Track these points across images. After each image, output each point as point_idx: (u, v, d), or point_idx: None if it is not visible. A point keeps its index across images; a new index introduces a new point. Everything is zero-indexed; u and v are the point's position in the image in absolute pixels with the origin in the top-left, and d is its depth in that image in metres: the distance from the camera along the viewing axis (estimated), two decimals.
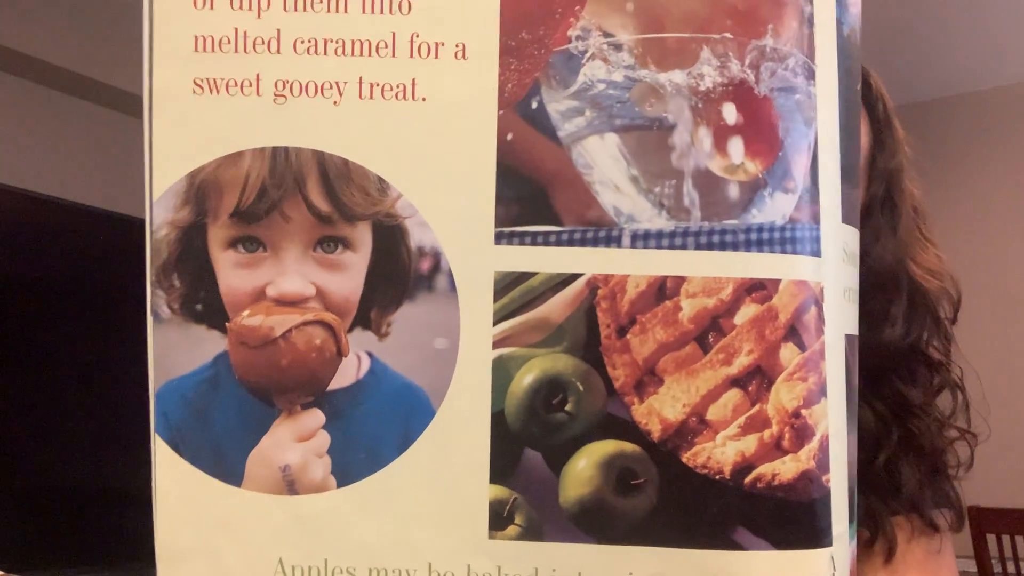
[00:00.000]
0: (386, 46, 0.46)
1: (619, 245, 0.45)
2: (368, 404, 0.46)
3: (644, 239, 0.45)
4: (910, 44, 3.40)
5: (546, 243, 0.45)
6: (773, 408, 0.44)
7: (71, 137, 2.97)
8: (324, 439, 0.46)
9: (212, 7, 0.46)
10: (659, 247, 0.45)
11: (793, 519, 0.44)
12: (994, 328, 3.36)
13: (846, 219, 0.48)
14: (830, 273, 0.46)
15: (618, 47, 0.45)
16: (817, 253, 0.45)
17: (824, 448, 0.44)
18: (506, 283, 0.46)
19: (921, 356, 0.83)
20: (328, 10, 0.46)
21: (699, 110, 0.45)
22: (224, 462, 0.47)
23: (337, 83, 0.46)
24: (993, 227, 3.70)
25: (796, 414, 0.44)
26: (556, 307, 0.46)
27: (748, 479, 0.44)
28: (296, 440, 0.46)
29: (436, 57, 0.46)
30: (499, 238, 0.46)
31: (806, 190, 0.45)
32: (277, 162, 0.46)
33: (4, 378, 2.21)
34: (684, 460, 0.45)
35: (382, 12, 0.46)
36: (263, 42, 0.46)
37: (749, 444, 0.44)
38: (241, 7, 0.46)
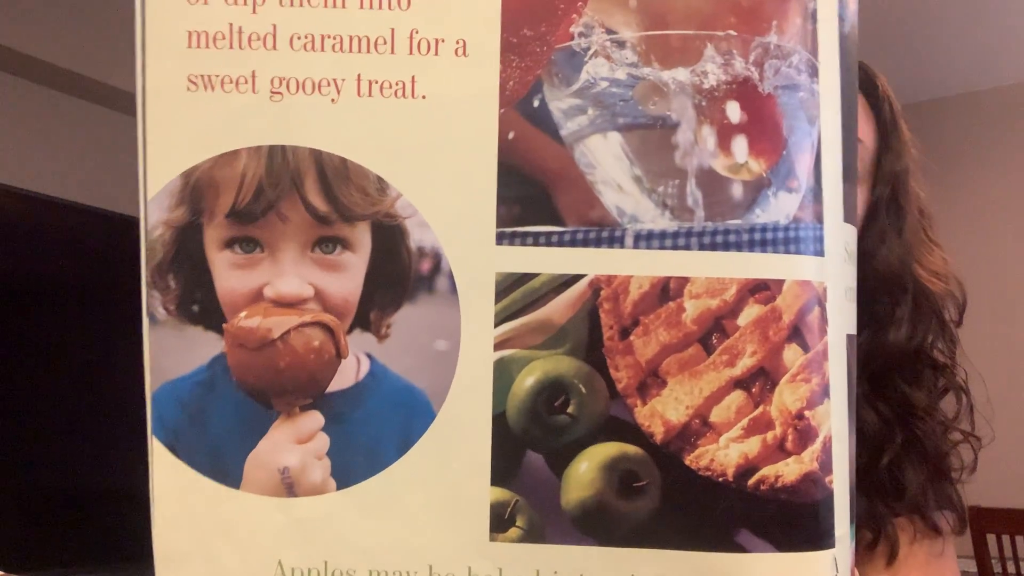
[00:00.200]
0: (385, 43, 0.45)
1: (622, 246, 0.45)
2: (368, 406, 0.46)
3: (647, 239, 0.45)
4: (906, 45, 3.40)
5: (548, 243, 0.45)
6: (776, 410, 0.44)
7: (71, 137, 2.96)
8: (323, 441, 0.46)
9: (206, 2, 0.46)
10: (662, 248, 0.44)
11: (796, 521, 0.44)
12: (991, 328, 3.36)
13: (847, 218, 0.47)
14: (833, 273, 0.45)
15: (621, 44, 0.45)
16: (820, 253, 0.44)
17: (827, 449, 0.44)
18: (507, 284, 0.45)
19: (926, 359, 0.83)
20: (325, 5, 0.45)
21: (703, 108, 0.44)
22: (222, 465, 0.46)
23: (335, 80, 0.45)
24: (991, 228, 3.70)
25: (799, 415, 0.44)
26: (558, 308, 0.45)
27: (751, 481, 0.44)
28: (295, 442, 0.46)
29: (436, 54, 0.45)
30: (500, 238, 0.45)
31: (809, 189, 0.44)
32: (274, 161, 0.45)
33: (3, 378, 2.21)
34: (687, 462, 0.44)
35: (381, 8, 0.45)
36: (258, 38, 0.46)
37: (752, 446, 0.44)
38: (236, 2, 0.46)
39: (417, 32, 0.45)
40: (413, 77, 0.45)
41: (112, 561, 2.20)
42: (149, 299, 0.46)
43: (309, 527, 0.46)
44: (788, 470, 0.44)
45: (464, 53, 0.45)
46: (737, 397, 0.44)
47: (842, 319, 0.46)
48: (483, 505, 0.45)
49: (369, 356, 0.46)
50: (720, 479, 0.44)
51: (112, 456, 2.32)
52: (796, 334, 0.44)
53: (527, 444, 0.45)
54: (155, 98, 0.46)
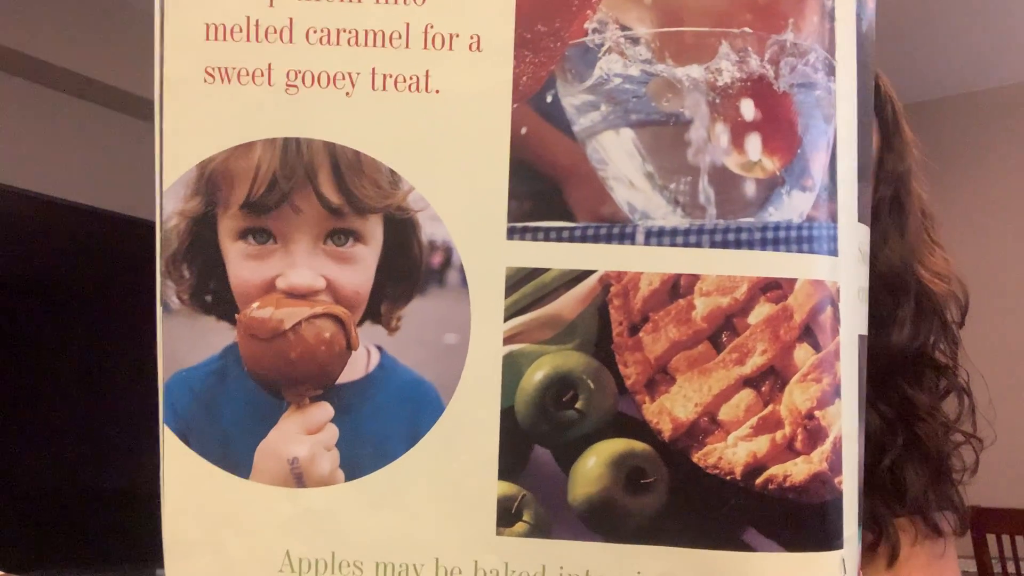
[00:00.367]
0: (400, 37, 0.45)
1: (633, 242, 0.45)
2: (377, 398, 0.46)
3: (658, 236, 0.45)
4: (906, 45, 3.39)
5: (559, 239, 0.45)
6: (786, 409, 0.44)
7: (71, 137, 2.97)
8: (332, 432, 0.46)
9: None
10: (673, 244, 0.44)
11: (804, 521, 0.44)
12: (991, 329, 3.36)
13: (861, 217, 0.47)
14: (846, 273, 0.45)
15: (635, 41, 0.45)
16: (834, 252, 0.44)
17: (837, 450, 0.44)
18: (518, 279, 0.45)
19: (928, 360, 0.83)
20: (341, 0, 0.45)
21: (716, 106, 0.44)
22: (232, 454, 0.46)
23: (350, 74, 0.45)
24: (990, 229, 3.70)
25: (809, 415, 0.44)
26: (568, 304, 0.45)
27: (759, 480, 0.44)
28: (304, 433, 0.46)
29: (450, 49, 0.45)
30: (511, 233, 0.45)
31: (824, 188, 0.44)
32: (288, 153, 0.46)
33: (3, 378, 2.21)
34: (695, 460, 0.44)
35: (396, 3, 0.45)
36: (275, 31, 0.46)
37: (761, 445, 0.44)
38: None
39: (432, 27, 0.45)
40: (427, 71, 0.45)
41: (112, 561, 2.21)
42: (163, 288, 0.47)
43: (317, 518, 0.46)
44: (797, 470, 0.44)
45: (478, 48, 0.45)
46: (746, 395, 0.44)
47: (854, 319, 0.46)
48: (490, 499, 0.45)
49: (379, 348, 0.46)
50: (728, 477, 0.44)
51: (113, 456, 2.33)
52: (807, 333, 0.44)
53: (535, 439, 0.45)
54: (172, 90, 0.46)
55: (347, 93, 0.45)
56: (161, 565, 0.47)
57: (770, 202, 0.44)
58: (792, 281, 0.44)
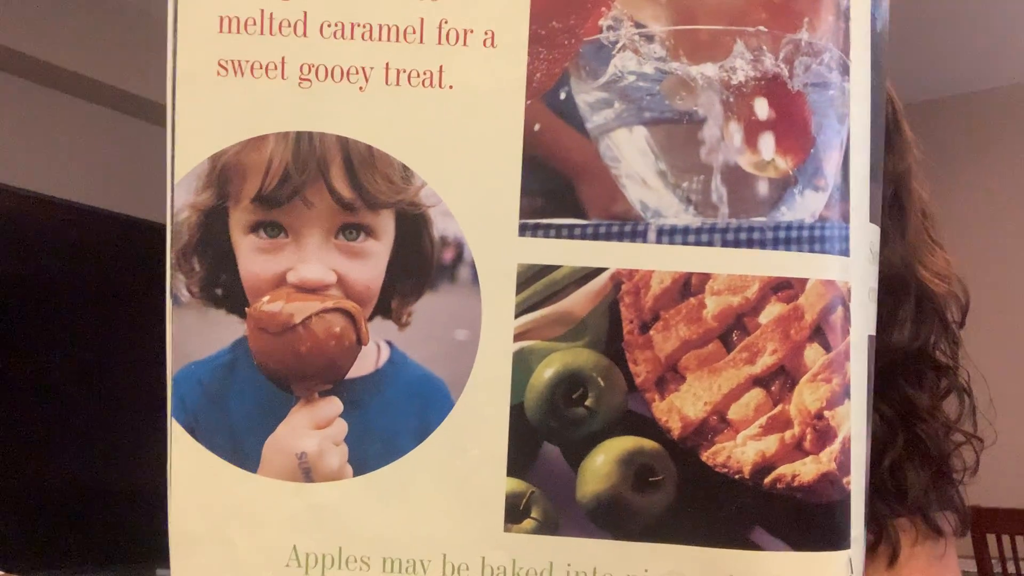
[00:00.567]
0: (414, 32, 0.45)
1: (644, 240, 0.45)
2: (387, 394, 0.46)
3: (670, 234, 0.45)
4: (905, 45, 3.39)
5: (571, 236, 0.45)
6: (796, 409, 0.44)
7: (71, 137, 2.96)
8: (341, 427, 0.46)
9: None
10: (685, 243, 0.44)
11: (812, 521, 0.44)
12: (989, 328, 3.37)
13: (872, 218, 0.47)
14: (857, 273, 0.45)
15: (650, 38, 0.45)
16: (846, 252, 0.44)
17: (845, 450, 0.44)
18: (529, 275, 0.45)
19: (928, 360, 0.83)
20: None
21: (730, 104, 0.44)
22: (240, 448, 0.46)
23: (363, 68, 0.45)
24: (989, 229, 3.71)
25: (819, 415, 0.44)
26: (579, 301, 0.45)
27: (768, 479, 0.44)
28: (313, 427, 0.46)
29: (464, 44, 0.45)
30: (523, 230, 0.45)
31: (837, 188, 0.44)
32: (301, 147, 0.45)
33: (3, 378, 2.21)
34: (704, 459, 0.45)
35: None
36: (289, 25, 0.46)
37: (770, 444, 0.44)
38: None
39: (446, 22, 0.45)
40: (441, 67, 0.45)
41: (112, 561, 2.21)
42: (173, 281, 0.46)
43: (324, 513, 0.46)
44: (805, 470, 0.44)
45: (492, 44, 0.45)
46: (756, 395, 0.44)
47: (864, 320, 0.46)
48: (498, 496, 0.45)
49: (389, 344, 0.46)
50: (736, 476, 0.44)
51: (113, 456, 2.33)
52: (818, 333, 0.44)
53: (544, 436, 0.45)
54: (185, 82, 0.46)
55: (360, 87, 0.45)
56: (162, 564, 0.47)
57: (783, 201, 0.44)
58: (803, 281, 0.44)
